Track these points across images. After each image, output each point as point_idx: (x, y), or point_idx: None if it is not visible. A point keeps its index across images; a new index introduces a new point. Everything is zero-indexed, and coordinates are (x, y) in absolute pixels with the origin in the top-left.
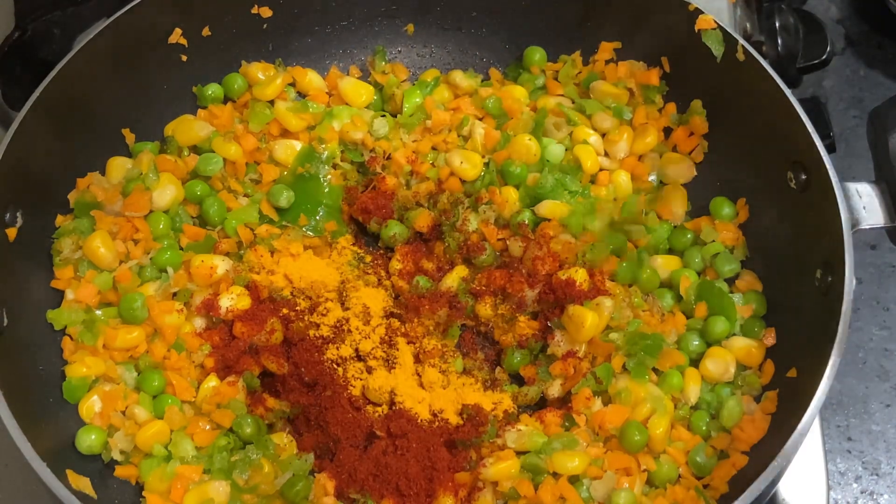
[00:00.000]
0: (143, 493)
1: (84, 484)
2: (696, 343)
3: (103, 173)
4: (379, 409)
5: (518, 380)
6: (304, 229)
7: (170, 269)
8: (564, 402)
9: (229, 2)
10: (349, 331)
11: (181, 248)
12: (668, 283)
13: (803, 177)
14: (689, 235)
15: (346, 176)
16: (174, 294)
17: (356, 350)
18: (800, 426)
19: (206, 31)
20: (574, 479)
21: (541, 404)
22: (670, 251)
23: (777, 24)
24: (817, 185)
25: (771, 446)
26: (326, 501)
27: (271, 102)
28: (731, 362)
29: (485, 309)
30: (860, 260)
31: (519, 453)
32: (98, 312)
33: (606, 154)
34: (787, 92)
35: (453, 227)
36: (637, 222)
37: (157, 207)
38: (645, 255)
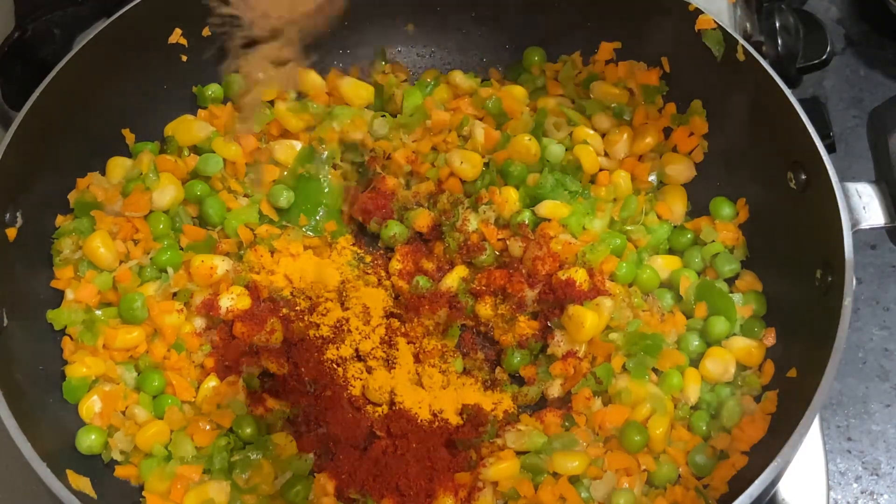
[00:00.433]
0: (143, 494)
1: (84, 484)
2: (696, 343)
3: (103, 173)
4: (379, 409)
5: (518, 380)
6: (304, 229)
7: (170, 269)
8: (564, 402)
9: None
10: (349, 331)
11: (181, 249)
12: (668, 283)
13: (803, 177)
14: (689, 235)
15: (346, 176)
16: (174, 294)
17: (356, 350)
18: (800, 426)
19: (206, 31)
20: (574, 480)
21: (541, 404)
22: (670, 251)
23: (777, 24)
24: (817, 185)
25: (771, 446)
26: (326, 501)
27: (271, 102)
28: (731, 362)
29: (485, 309)
30: (860, 260)
31: (519, 453)
32: (98, 312)
33: (606, 154)
34: (787, 92)
35: (453, 227)
36: (637, 222)
37: (157, 207)
38: (645, 255)
